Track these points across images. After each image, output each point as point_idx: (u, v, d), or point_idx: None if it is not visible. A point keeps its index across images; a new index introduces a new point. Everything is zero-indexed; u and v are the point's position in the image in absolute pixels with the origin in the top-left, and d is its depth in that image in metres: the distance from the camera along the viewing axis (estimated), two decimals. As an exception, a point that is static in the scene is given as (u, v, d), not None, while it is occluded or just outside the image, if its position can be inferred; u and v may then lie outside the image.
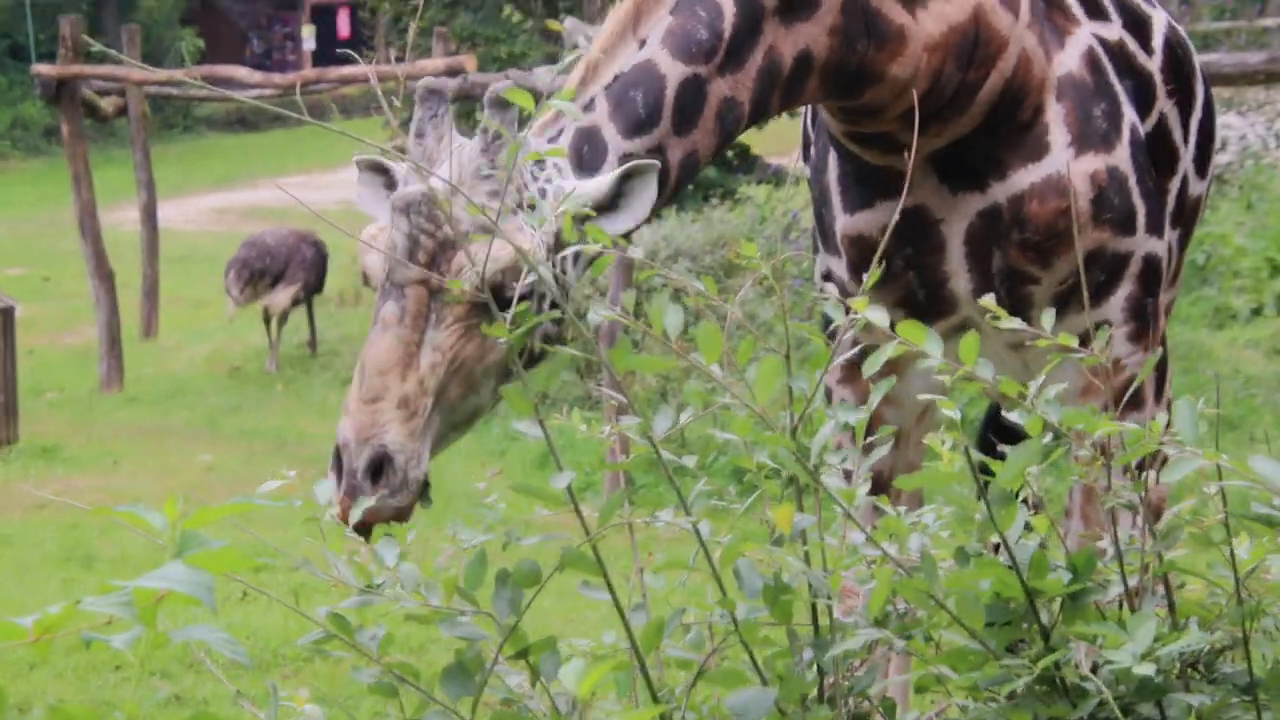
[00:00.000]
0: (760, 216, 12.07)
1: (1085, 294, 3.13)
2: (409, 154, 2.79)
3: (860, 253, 3.31)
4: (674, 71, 2.91)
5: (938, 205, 3.27)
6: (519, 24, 15.48)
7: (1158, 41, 3.54)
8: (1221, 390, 8.35)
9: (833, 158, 3.44)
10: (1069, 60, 3.26)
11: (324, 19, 36.96)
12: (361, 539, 2.51)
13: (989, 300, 2.29)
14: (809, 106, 3.57)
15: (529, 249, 2.72)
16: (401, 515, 2.71)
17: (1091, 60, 3.29)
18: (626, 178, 2.84)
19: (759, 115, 3.06)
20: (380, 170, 2.98)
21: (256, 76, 12.71)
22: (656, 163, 2.83)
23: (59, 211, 18.19)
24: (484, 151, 2.79)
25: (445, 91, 2.92)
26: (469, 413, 2.84)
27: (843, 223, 3.42)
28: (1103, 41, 3.33)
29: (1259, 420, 8.13)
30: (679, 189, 3.08)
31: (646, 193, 2.83)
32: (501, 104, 2.74)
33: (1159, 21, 3.57)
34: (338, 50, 35.51)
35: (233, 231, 17.54)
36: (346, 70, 12.62)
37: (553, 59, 14.88)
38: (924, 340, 2.03)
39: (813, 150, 3.58)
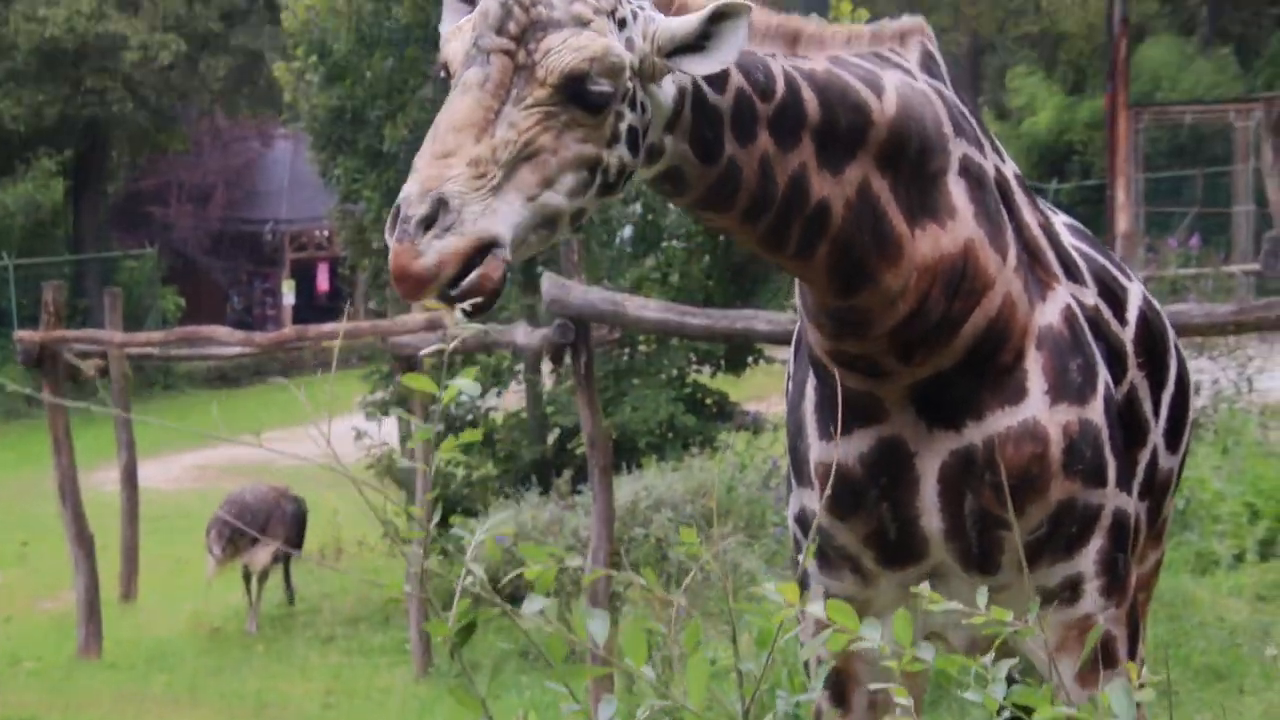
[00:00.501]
0: (740, 464, 12.11)
1: (1018, 546, 3.12)
2: None
3: (834, 483, 3.28)
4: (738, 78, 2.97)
5: (914, 439, 3.27)
6: (497, 277, 15.68)
7: (1132, 314, 3.61)
8: (1207, 639, 8.29)
9: (810, 387, 3.44)
10: (1049, 313, 3.30)
11: (304, 274, 37.45)
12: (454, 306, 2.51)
13: (924, 589, 2.28)
14: (794, 342, 3.61)
15: (622, 53, 2.73)
16: (446, 272, 2.59)
17: (1069, 317, 3.33)
18: (716, 18, 2.78)
19: (781, 228, 3.07)
20: None
21: (237, 336, 12.81)
22: (748, 5, 2.77)
23: (38, 475, 18.15)
24: None
25: None
26: (547, 211, 2.72)
27: (817, 450, 3.40)
28: (1080, 304, 3.40)
29: (1246, 671, 8.03)
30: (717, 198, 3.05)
31: (736, 36, 2.77)
32: None
33: (1134, 294, 3.65)
34: (318, 304, 36.03)
35: (213, 488, 17.50)
36: (326, 328, 12.72)
37: (532, 309, 15.11)
38: (855, 625, 2.02)
39: (790, 384, 3.60)
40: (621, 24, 2.75)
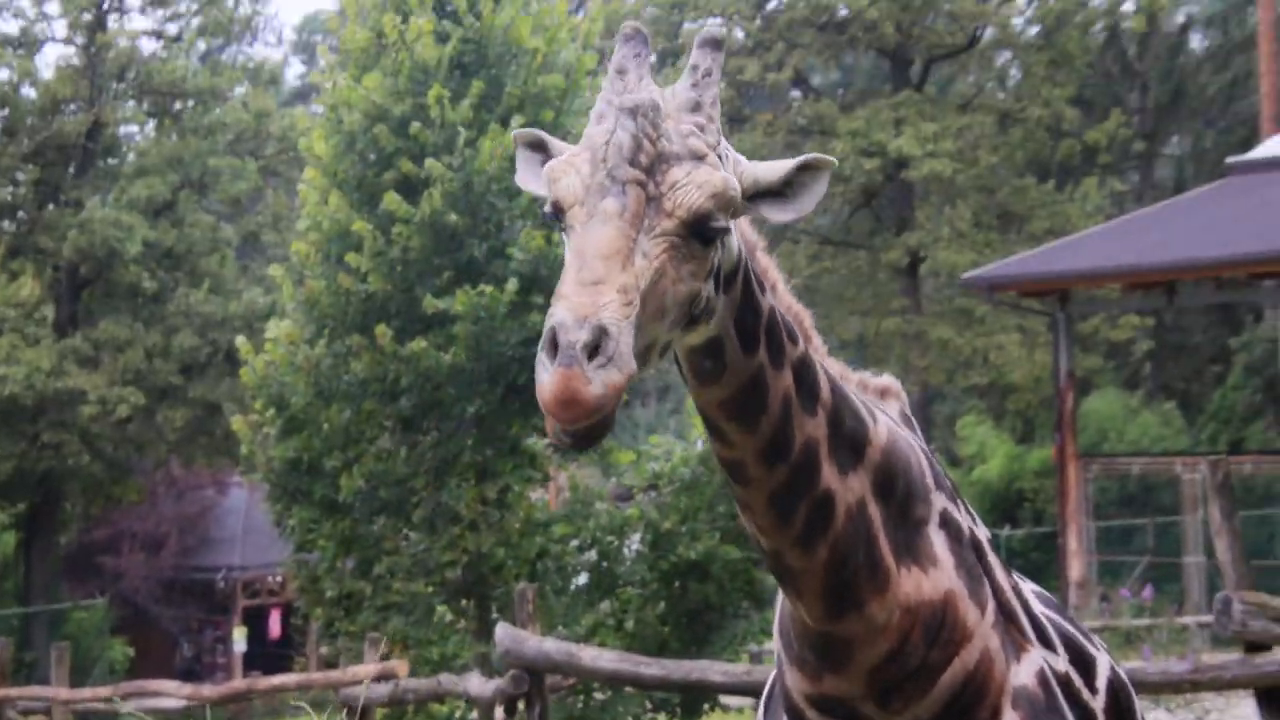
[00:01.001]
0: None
1: None
2: (613, 85, 2.83)
3: None
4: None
5: None
6: (451, 625, 15.60)
7: (1102, 683, 3.61)
8: None
9: None
10: (1024, 674, 3.29)
11: (255, 620, 36.98)
12: (572, 441, 2.50)
13: None
14: (765, 697, 3.55)
15: (737, 188, 2.76)
16: (609, 405, 2.53)
17: (1044, 680, 3.33)
18: (803, 169, 2.84)
19: (792, 496, 3.06)
20: (538, 146, 3.00)
21: (186, 690, 12.64)
22: (833, 160, 2.82)
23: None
24: (693, 87, 2.83)
25: (647, 34, 2.93)
26: (656, 343, 2.72)
27: None
28: (1052, 669, 3.39)
29: None
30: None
31: (817, 188, 2.83)
32: (714, 44, 2.82)
33: (1103, 664, 3.66)
34: (270, 650, 35.51)
35: None
36: (277, 680, 12.60)
37: (485, 657, 14.99)
38: None
39: None
40: (721, 160, 2.81)
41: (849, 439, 3.12)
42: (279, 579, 34.88)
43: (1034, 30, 38.86)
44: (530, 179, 2.99)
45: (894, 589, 3.14)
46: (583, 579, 15.86)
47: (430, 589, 15.61)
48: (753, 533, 3.16)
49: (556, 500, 17.93)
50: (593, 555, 15.68)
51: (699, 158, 2.75)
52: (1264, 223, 23.41)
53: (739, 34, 37.86)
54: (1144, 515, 30.38)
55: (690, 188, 2.70)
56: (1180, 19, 45.49)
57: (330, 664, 16.46)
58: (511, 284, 14.88)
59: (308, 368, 15.73)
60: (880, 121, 35.65)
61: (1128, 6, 39.61)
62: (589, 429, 2.53)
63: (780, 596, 3.35)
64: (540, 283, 15.34)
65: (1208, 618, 22.58)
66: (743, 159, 2.92)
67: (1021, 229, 37.07)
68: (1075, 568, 23.47)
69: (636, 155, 2.71)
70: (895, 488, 3.19)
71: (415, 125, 15.36)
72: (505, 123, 15.52)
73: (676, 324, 2.76)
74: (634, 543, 15.77)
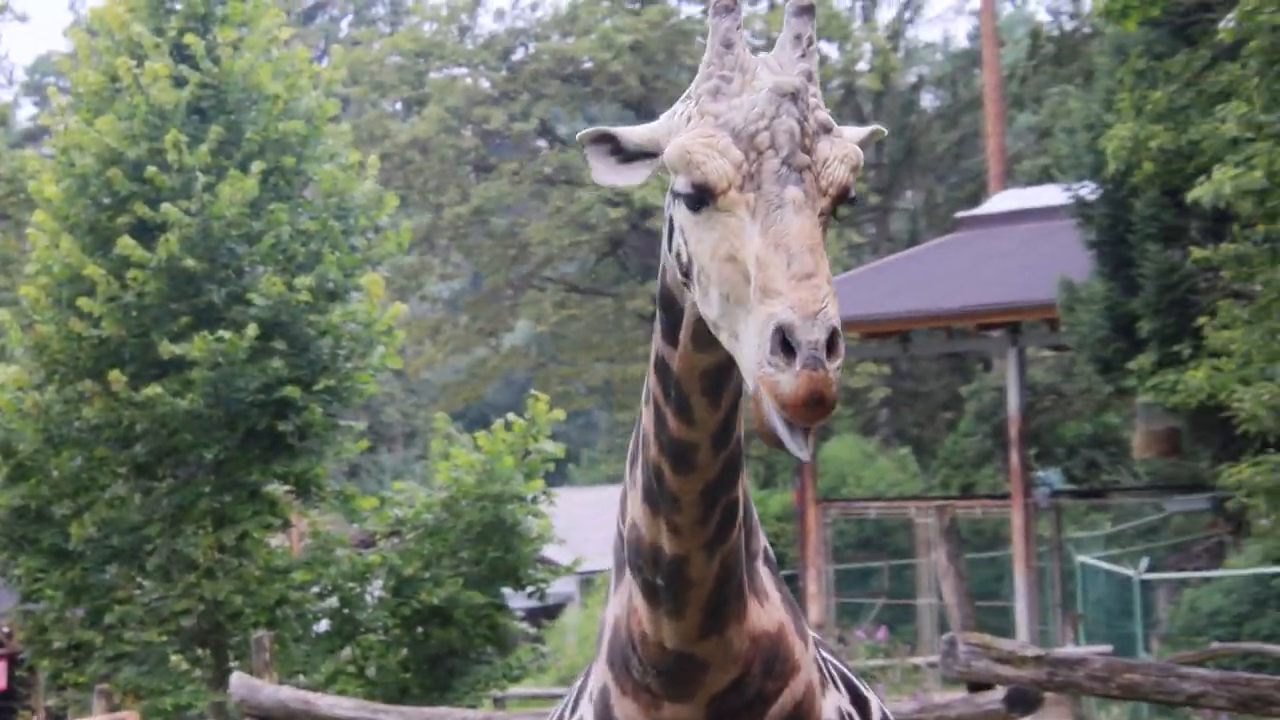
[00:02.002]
0: None
1: None
2: (722, 59, 2.76)
3: None
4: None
5: None
6: (185, 674, 15.24)
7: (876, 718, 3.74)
8: None
9: None
10: (829, 710, 3.37)
11: (-20, 678, 35.51)
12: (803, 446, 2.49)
13: None
14: None
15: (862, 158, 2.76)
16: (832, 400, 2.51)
17: (842, 717, 3.42)
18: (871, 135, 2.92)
19: (723, 485, 3.08)
20: (605, 139, 2.90)
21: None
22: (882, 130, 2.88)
23: None
24: (803, 58, 2.77)
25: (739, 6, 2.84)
26: None
27: None
28: (840, 708, 3.48)
29: None
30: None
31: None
32: (810, 10, 2.79)
33: (875, 704, 3.76)
34: (-7, 710, 34.10)
35: None
36: (0, 737, 12.11)
37: (220, 707, 14.67)
38: None
39: None
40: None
41: (735, 456, 3.13)
42: (4, 629, 33.59)
43: (774, 85, 39.70)
44: (606, 172, 2.92)
45: (749, 618, 3.19)
46: (323, 626, 15.67)
47: (164, 638, 15.24)
48: (657, 539, 3.13)
49: (298, 546, 17.67)
50: (334, 602, 15.49)
51: (829, 130, 2.75)
52: (991, 275, 24.34)
53: (485, 84, 38.00)
54: (881, 558, 31.18)
55: (836, 163, 2.71)
56: (912, 78, 47.10)
57: (58, 716, 15.92)
58: (251, 329, 14.66)
59: (36, 413, 15.27)
60: (625, 171, 36.02)
61: (862, 66, 40.90)
62: (819, 423, 2.54)
63: (607, 636, 3.34)
64: (281, 328, 15.17)
65: (938, 658, 23.35)
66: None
67: (762, 278, 37.74)
68: (814, 610, 23.97)
69: (804, 140, 2.69)
70: (747, 519, 3.23)
71: (151, 169, 15.06)
72: (245, 168, 15.33)
73: None
74: (376, 589, 15.66)
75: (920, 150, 44.08)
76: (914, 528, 28.49)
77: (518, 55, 38.60)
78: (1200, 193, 13.58)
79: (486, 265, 39.57)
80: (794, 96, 2.71)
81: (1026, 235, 25.52)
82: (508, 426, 15.74)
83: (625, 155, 2.91)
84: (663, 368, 3.04)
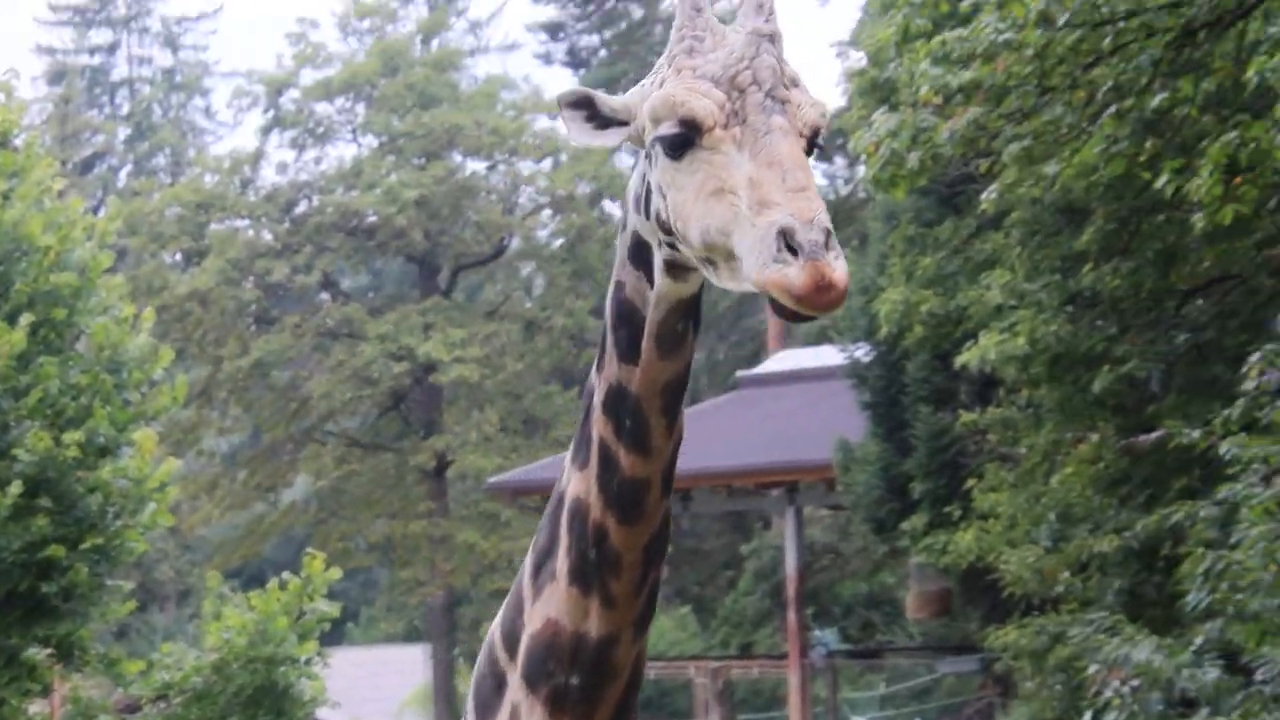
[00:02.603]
0: None
1: None
2: (694, 22, 2.96)
3: None
4: None
5: None
6: None
7: None
8: None
9: None
10: None
11: None
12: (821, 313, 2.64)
13: None
14: None
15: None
16: (847, 289, 2.68)
17: None
18: None
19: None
20: (582, 103, 3.02)
21: None
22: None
23: None
24: (769, 20, 2.92)
25: None
26: None
27: None
28: None
29: None
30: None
31: None
32: None
33: None
34: None
35: None
36: None
37: None
38: None
39: None
40: None
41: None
42: None
43: (558, 243, 40.22)
44: (582, 134, 3.04)
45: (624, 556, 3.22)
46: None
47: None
48: (582, 625, 3.18)
49: (59, 713, 16.96)
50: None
51: (797, 83, 2.92)
52: (770, 435, 24.71)
53: (267, 236, 37.72)
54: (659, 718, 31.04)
55: (808, 107, 2.87)
56: (694, 239, 47.97)
57: None
58: (15, 486, 14.17)
59: None
60: (409, 326, 36.02)
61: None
62: (832, 309, 2.68)
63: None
64: (46, 485, 14.67)
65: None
66: None
67: (547, 434, 37.90)
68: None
69: (783, 78, 2.86)
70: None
71: (-87, 319, 14.60)
72: (12, 320, 14.91)
73: None
74: (140, 758, 15.09)
75: (702, 309, 44.70)
76: (693, 688, 28.45)
77: (301, 208, 38.41)
78: (968, 358, 14.04)
79: (266, 419, 38.96)
80: (771, 38, 2.90)
81: (804, 395, 26.00)
82: (283, 585, 15.40)
83: (600, 120, 3.03)
84: (618, 396, 3.12)
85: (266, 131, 38.54)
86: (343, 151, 40.66)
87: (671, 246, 2.96)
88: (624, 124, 3.03)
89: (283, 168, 38.63)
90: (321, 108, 39.04)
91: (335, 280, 41.00)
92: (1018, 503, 14.78)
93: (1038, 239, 13.96)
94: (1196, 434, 10.66)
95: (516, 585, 3.40)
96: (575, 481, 3.21)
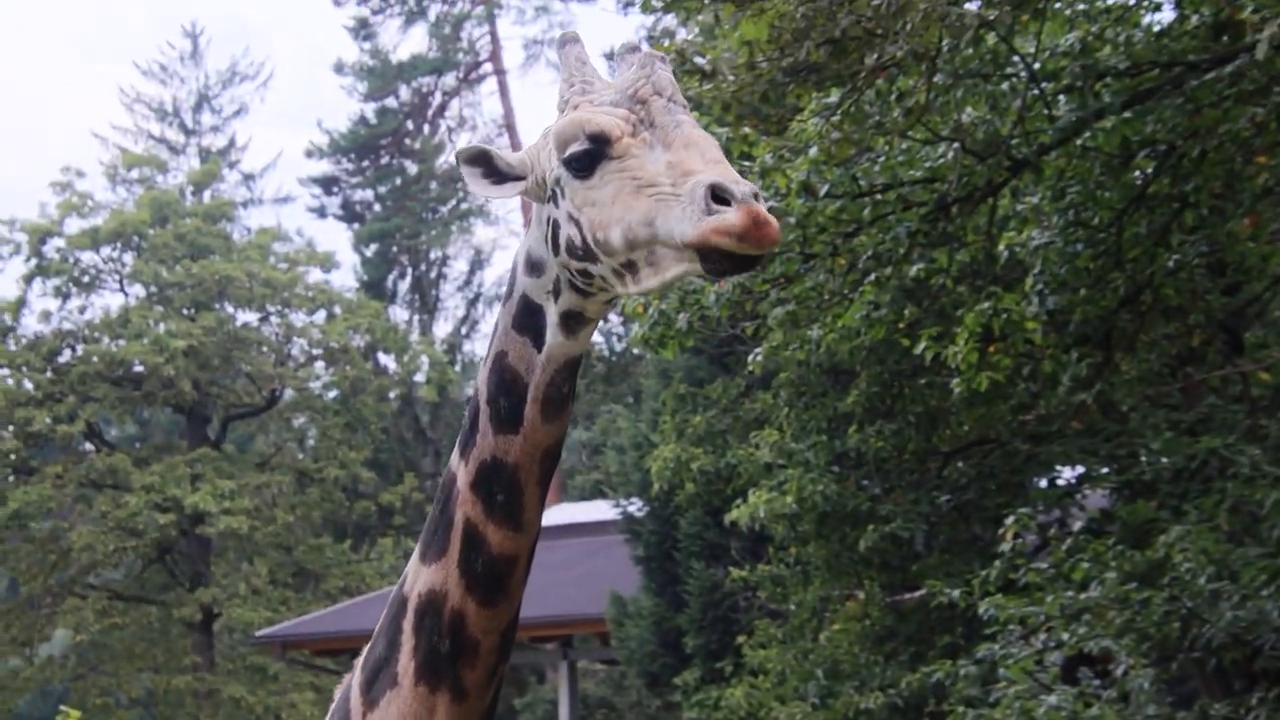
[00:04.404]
0: None
1: None
2: (582, 69, 3.17)
3: None
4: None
5: None
6: None
7: None
8: None
9: None
10: None
11: None
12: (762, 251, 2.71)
13: None
14: None
15: None
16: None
17: None
18: None
19: None
20: (479, 159, 3.13)
21: None
22: None
23: None
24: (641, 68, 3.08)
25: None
26: None
27: None
28: None
29: None
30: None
31: None
32: (635, 48, 3.17)
33: None
34: None
35: None
36: None
37: None
38: None
39: None
40: None
41: None
42: None
43: (332, 394, 39.85)
44: (481, 188, 3.13)
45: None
46: None
47: None
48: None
49: None
50: None
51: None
52: (545, 588, 24.58)
53: (28, 385, 36.67)
54: None
55: (689, 126, 2.96)
56: (470, 391, 47.93)
57: None
58: None
59: None
60: (176, 476, 35.22)
61: (419, 378, 41.45)
62: (767, 254, 2.77)
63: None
64: None
65: None
66: None
67: (317, 587, 37.25)
68: None
69: (678, 94, 3.02)
70: None
71: None
72: None
73: None
74: None
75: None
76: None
77: (65, 357, 37.44)
78: (738, 515, 14.21)
79: (24, 572, 37.55)
80: (662, 60, 3.06)
81: (579, 549, 26.02)
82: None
83: (498, 176, 3.15)
84: (492, 470, 3.17)
85: (29, 280, 37.60)
86: (109, 300, 39.83)
87: (584, 274, 3.03)
88: (520, 178, 3.14)
89: (46, 316, 37.65)
90: (88, 256, 38.27)
91: (100, 430, 39.93)
92: (787, 659, 14.90)
93: (804, 400, 14.25)
94: (957, 594, 10.89)
95: (340, 710, 3.40)
96: (426, 575, 3.23)
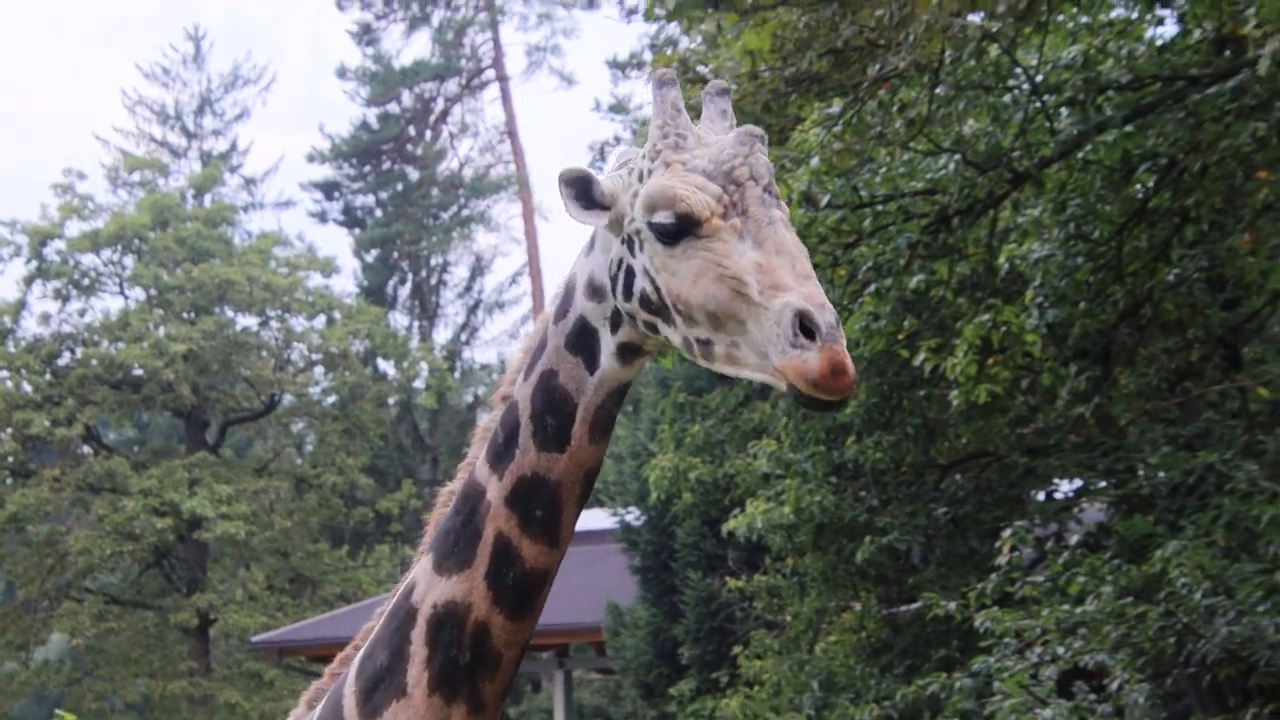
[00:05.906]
0: None
1: None
2: (675, 120, 3.11)
3: None
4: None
5: None
6: None
7: None
8: None
9: None
10: None
11: None
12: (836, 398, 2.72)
13: None
14: None
15: None
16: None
17: None
18: None
19: None
20: (580, 182, 3.10)
21: None
22: None
23: None
24: (731, 125, 3.14)
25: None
26: None
27: None
28: None
29: None
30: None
31: None
32: (725, 91, 3.28)
33: None
34: None
35: None
36: None
37: None
38: None
39: None
40: None
41: None
42: None
43: (331, 400, 39.82)
44: (575, 212, 3.09)
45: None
46: None
47: None
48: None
49: None
50: None
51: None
52: (540, 596, 24.52)
53: (27, 388, 36.64)
54: None
55: (781, 226, 2.95)
56: (469, 398, 47.94)
57: None
58: None
59: None
60: (174, 481, 35.20)
61: (419, 384, 41.43)
62: (846, 394, 2.76)
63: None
64: None
65: None
66: None
67: (314, 593, 37.20)
68: None
69: (772, 179, 3.00)
70: None
71: None
72: None
73: None
74: None
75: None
76: None
77: (64, 360, 37.42)
78: (735, 525, 14.19)
79: (21, 575, 37.51)
80: (762, 139, 3.04)
81: (575, 558, 25.90)
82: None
83: (588, 201, 3.11)
84: (532, 487, 3.17)
85: (29, 282, 37.58)
86: (109, 303, 39.76)
87: (651, 327, 3.06)
88: (606, 209, 3.12)
89: (45, 319, 37.62)
90: (88, 259, 38.24)
91: (98, 433, 39.89)
92: (782, 670, 14.86)
93: (803, 410, 14.22)
94: (953, 606, 10.88)
95: (332, 713, 3.37)
96: (444, 587, 3.22)
